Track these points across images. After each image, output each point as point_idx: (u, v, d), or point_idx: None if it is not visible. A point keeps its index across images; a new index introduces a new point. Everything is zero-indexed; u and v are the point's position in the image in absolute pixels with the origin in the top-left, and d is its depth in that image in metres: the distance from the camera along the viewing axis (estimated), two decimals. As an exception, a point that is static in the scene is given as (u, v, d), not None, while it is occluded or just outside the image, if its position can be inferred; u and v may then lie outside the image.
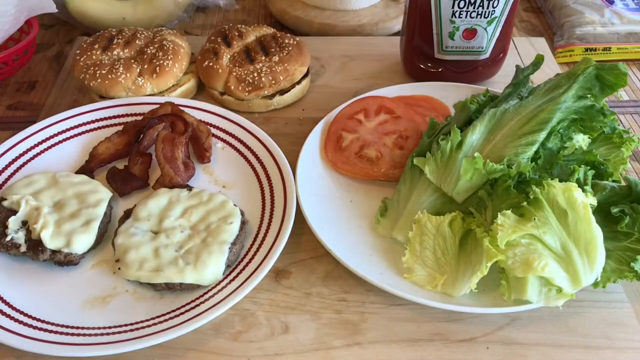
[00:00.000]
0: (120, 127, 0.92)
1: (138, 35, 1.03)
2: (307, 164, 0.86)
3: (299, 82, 1.02)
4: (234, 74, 0.98)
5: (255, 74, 0.98)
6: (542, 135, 0.74)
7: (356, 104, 0.95)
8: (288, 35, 1.05)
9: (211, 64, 1.00)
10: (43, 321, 0.68)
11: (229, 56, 1.01)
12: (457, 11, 0.93)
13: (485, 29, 0.96)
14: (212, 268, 0.70)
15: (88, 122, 0.93)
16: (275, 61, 0.99)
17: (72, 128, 0.92)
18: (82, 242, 0.73)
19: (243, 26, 1.07)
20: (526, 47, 1.17)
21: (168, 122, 0.90)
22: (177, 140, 0.87)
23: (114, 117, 0.93)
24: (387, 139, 0.90)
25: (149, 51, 1.00)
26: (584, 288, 0.65)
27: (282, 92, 1.01)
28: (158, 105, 0.93)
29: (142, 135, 0.89)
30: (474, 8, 0.93)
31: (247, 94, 0.97)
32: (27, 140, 0.88)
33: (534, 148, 0.73)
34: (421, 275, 0.72)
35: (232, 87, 0.98)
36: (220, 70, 0.99)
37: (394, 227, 0.77)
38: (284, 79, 0.99)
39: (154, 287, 0.71)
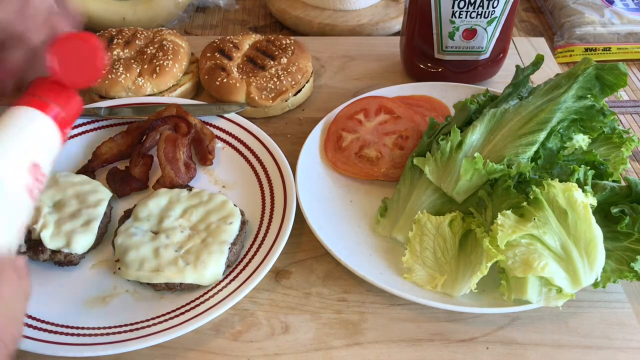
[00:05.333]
0: (120, 128, 0.93)
1: (138, 35, 1.03)
2: (307, 164, 0.86)
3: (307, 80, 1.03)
4: (254, 84, 0.96)
5: (275, 79, 0.97)
6: (542, 135, 0.74)
7: (356, 104, 0.95)
8: (280, 36, 1.05)
9: (225, 80, 0.97)
10: (43, 321, 0.68)
11: (235, 68, 1.00)
12: (457, 11, 0.93)
13: (485, 29, 0.96)
14: (212, 268, 0.70)
15: (88, 123, 0.93)
16: (285, 62, 0.99)
17: (71, 128, 0.92)
18: (82, 242, 0.73)
19: (232, 37, 1.06)
20: (526, 47, 1.17)
21: (171, 124, 0.89)
22: (180, 142, 0.87)
23: (114, 117, 0.93)
24: (387, 139, 0.90)
25: (148, 51, 1.00)
26: (584, 288, 0.65)
27: (295, 92, 1.01)
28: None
29: (144, 137, 0.89)
30: (474, 8, 0.93)
31: (271, 101, 0.96)
32: (27, 140, 0.88)
33: (534, 148, 0.73)
34: (421, 275, 0.72)
35: (256, 98, 0.95)
36: (237, 84, 0.96)
37: (394, 227, 0.77)
38: (301, 77, 0.99)
39: (154, 287, 0.71)
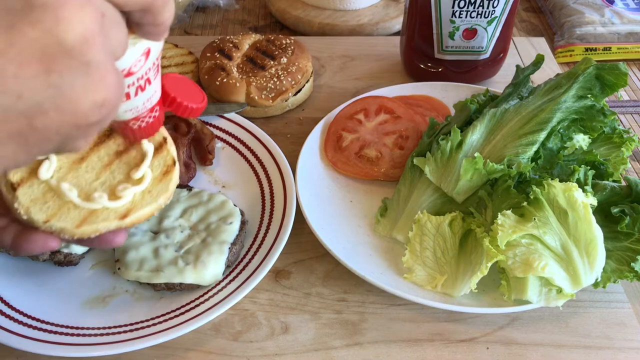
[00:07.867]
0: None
1: None
2: (307, 164, 0.86)
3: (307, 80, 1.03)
4: (254, 84, 0.96)
5: (275, 79, 0.97)
6: (542, 135, 0.74)
7: (356, 104, 0.95)
8: (280, 36, 1.05)
9: (225, 80, 0.97)
10: (43, 321, 0.68)
11: (235, 68, 1.00)
12: (457, 11, 0.93)
13: (485, 29, 0.96)
14: (211, 268, 0.70)
15: (88, 122, 0.93)
16: (285, 62, 0.99)
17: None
18: (82, 242, 0.73)
19: (232, 37, 1.06)
20: (526, 47, 1.17)
21: (171, 124, 0.89)
22: (179, 142, 0.87)
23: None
24: (387, 139, 0.90)
25: None
26: (584, 288, 0.65)
27: (295, 92, 1.01)
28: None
29: (143, 136, 0.89)
30: (474, 8, 0.93)
31: (271, 101, 0.96)
32: (27, 140, 0.88)
33: (534, 148, 0.73)
34: (421, 275, 0.71)
35: (256, 98, 0.95)
36: (237, 84, 0.96)
37: (394, 227, 0.77)
38: (301, 77, 0.99)
39: (154, 287, 0.71)
